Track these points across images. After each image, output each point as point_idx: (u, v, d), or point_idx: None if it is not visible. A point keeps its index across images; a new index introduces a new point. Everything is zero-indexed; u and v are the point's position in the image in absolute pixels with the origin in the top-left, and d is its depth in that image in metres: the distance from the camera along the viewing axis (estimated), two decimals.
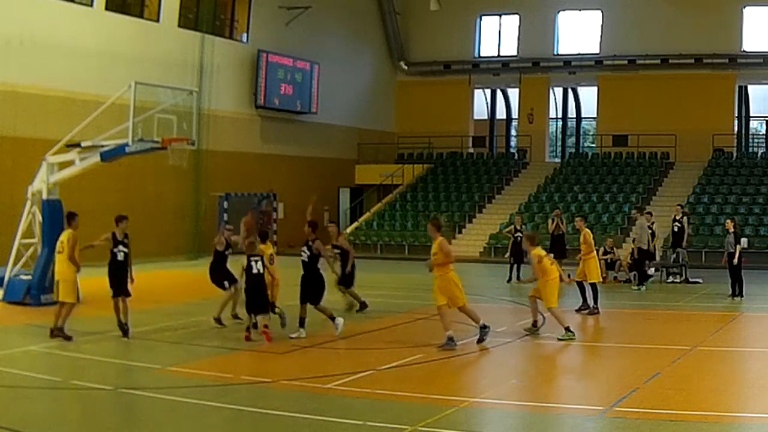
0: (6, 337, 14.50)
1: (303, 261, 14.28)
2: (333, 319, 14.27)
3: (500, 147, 43.48)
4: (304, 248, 14.31)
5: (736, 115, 37.87)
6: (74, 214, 14.63)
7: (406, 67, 41.78)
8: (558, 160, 40.89)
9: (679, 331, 15.72)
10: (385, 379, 11.36)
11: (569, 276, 22.21)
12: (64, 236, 14.40)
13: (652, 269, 23.66)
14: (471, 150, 41.32)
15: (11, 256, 18.56)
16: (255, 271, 14.00)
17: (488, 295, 21.25)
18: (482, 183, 37.69)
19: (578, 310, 17.33)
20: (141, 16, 29.16)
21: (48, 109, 25.12)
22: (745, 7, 35.97)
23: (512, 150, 42.76)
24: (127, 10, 28.65)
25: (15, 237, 18.70)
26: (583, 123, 43.72)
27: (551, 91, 41.34)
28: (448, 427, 8.95)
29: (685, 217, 24.34)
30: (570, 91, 42.75)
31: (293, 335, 14.06)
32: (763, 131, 40.51)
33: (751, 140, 40.03)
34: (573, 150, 41.90)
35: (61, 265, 14.35)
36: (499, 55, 40.82)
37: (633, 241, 23.92)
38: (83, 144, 18.22)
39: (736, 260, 19.55)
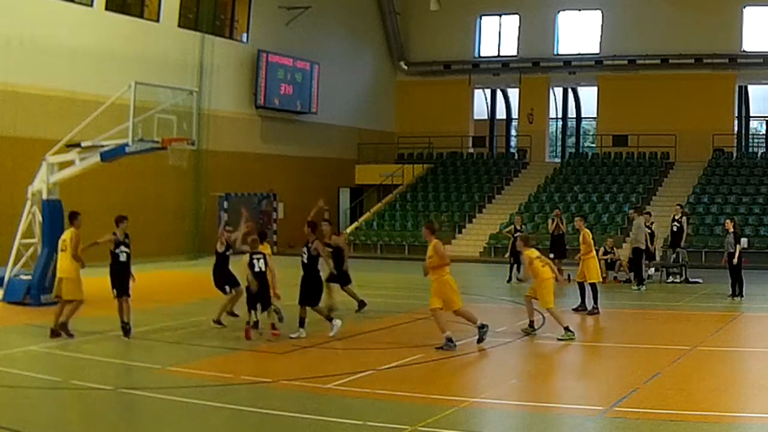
0: (6, 337, 14.50)
1: (302, 262, 14.29)
2: (330, 320, 14.25)
3: (500, 147, 43.48)
4: (304, 249, 14.33)
5: (736, 115, 37.86)
6: (77, 213, 14.74)
7: (406, 67, 41.78)
8: (558, 160, 40.88)
9: (679, 331, 15.72)
10: (385, 379, 11.36)
11: (569, 276, 22.40)
12: (67, 234, 14.48)
13: (652, 269, 23.67)
14: (471, 150, 41.32)
15: (11, 256, 18.57)
16: (257, 269, 14.02)
17: (488, 295, 21.27)
18: (482, 183, 37.69)
19: (575, 310, 17.32)
20: (141, 16, 29.16)
21: (48, 109, 25.12)
22: (745, 7, 35.96)
23: (512, 150, 42.75)
24: (127, 10, 28.65)
25: (15, 237, 18.70)
26: (583, 123, 43.71)
27: (551, 91, 41.33)
28: (448, 427, 8.95)
29: (684, 217, 24.33)
30: (570, 91, 42.74)
31: (293, 335, 14.07)
32: (763, 131, 40.51)
33: (751, 140, 40.02)
34: (573, 150, 41.89)
35: (63, 263, 14.41)
36: (499, 55, 40.82)
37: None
38: (83, 144, 18.23)
39: (735, 260, 19.55)
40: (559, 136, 43.57)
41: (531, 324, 14.74)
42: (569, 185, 35.96)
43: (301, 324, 14.16)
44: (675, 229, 23.91)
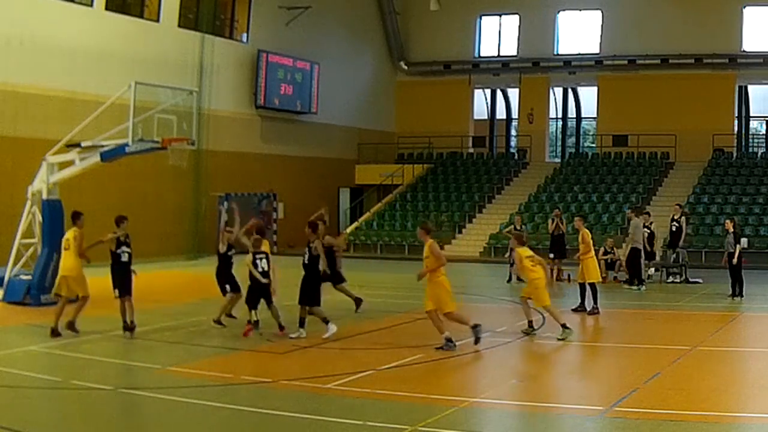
0: (6, 337, 14.50)
1: (303, 263, 14.30)
2: (327, 322, 14.20)
3: (500, 147, 43.49)
4: (306, 249, 14.35)
5: (736, 115, 37.87)
6: (79, 213, 14.83)
7: (406, 67, 41.79)
8: (558, 160, 40.89)
9: (679, 331, 15.72)
10: (385, 379, 11.36)
11: (569, 276, 22.39)
12: (70, 234, 14.54)
13: (652, 269, 23.66)
14: (471, 150, 41.32)
15: (11, 256, 18.57)
16: (260, 269, 14.03)
17: (488, 295, 21.28)
18: (482, 183, 37.69)
19: (575, 310, 17.32)
20: (141, 16, 29.17)
21: (48, 109, 25.12)
22: (745, 7, 35.98)
23: (512, 150, 42.77)
24: (127, 10, 28.66)
25: (15, 237, 18.70)
26: (583, 123, 43.72)
27: (551, 91, 41.34)
28: (448, 427, 8.94)
29: (683, 217, 24.32)
30: (570, 91, 42.75)
31: (293, 335, 14.07)
32: (763, 131, 40.52)
33: (751, 140, 40.03)
34: (573, 150, 41.89)
35: (67, 261, 14.46)
36: (499, 55, 40.83)
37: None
38: (83, 144, 18.22)
39: (735, 260, 19.55)
40: (559, 136, 43.58)
41: (530, 324, 14.73)
42: (569, 185, 35.96)
43: (301, 324, 14.16)
44: (674, 229, 23.90)
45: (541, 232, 30.30)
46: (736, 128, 37.96)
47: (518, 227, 24.77)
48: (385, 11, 40.51)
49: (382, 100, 41.52)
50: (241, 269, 15.07)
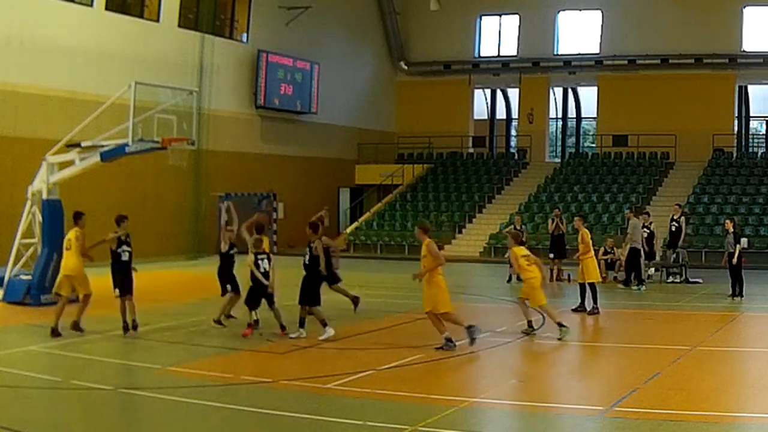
0: (6, 337, 14.50)
1: (304, 263, 14.30)
2: (325, 325, 14.14)
3: (500, 147, 43.50)
4: (306, 250, 14.36)
5: (736, 115, 37.88)
6: (81, 213, 14.89)
7: (406, 67, 41.80)
8: (558, 160, 40.89)
9: (679, 331, 15.72)
10: (385, 379, 11.35)
11: (569, 277, 22.39)
12: (72, 234, 14.57)
13: (652, 269, 23.66)
14: (471, 150, 41.33)
15: (11, 256, 18.57)
16: (262, 270, 14.03)
17: (488, 295, 21.27)
18: (482, 183, 37.70)
19: (575, 310, 17.32)
20: (141, 16, 29.18)
21: (48, 109, 25.13)
22: (745, 7, 35.98)
23: (512, 150, 42.78)
24: (127, 10, 28.67)
25: (15, 237, 18.70)
26: (583, 123, 43.73)
27: (551, 91, 41.35)
28: (448, 427, 8.94)
29: (683, 217, 24.32)
30: (570, 91, 42.76)
31: (293, 335, 14.07)
32: (763, 131, 40.52)
33: (751, 140, 40.04)
34: (573, 150, 41.91)
35: (69, 261, 14.49)
36: (499, 55, 40.84)
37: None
38: (83, 144, 18.22)
39: (735, 260, 19.55)
40: (559, 136, 43.58)
41: (530, 324, 14.72)
42: (569, 185, 35.97)
43: (301, 324, 14.16)
44: (674, 228, 23.90)
45: (541, 232, 30.30)
46: (736, 128, 37.97)
47: (518, 227, 24.77)
48: (385, 11, 40.52)
49: (382, 100, 41.53)
50: (242, 270, 15.07)
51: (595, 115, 40.66)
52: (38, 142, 21.87)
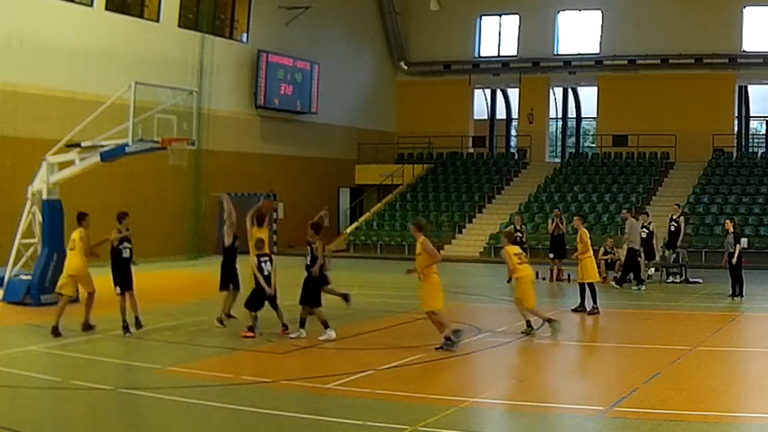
0: (6, 337, 14.50)
1: (306, 264, 14.30)
2: (326, 327, 14.11)
3: (500, 147, 43.50)
4: (308, 250, 14.36)
5: (736, 115, 37.88)
6: (85, 213, 14.93)
7: (406, 67, 41.79)
8: (558, 160, 40.89)
9: (679, 331, 15.72)
10: (385, 379, 11.36)
11: (569, 276, 22.38)
12: (76, 234, 14.62)
13: (652, 269, 23.66)
14: (471, 150, 41.32)
15: (11, 256, 18.57)
16: (266, 272, 14.03)
17: (488, 295, 21.27)
18: (482, 183, 37.70)
19: (575, 310, 17.32)
20: (141, 16, 29.16)
21: (48, 109, 25.12)
22: (745, 7, 35.98)
23: (512, 150, 42.78)
24: (127, 10, 28.65)
25: (15, 237, 18.70)
26: (583, 123, 43.73)
27: (551, 91, 41.35)
28: (448, 427, 8.94)
29: (682, 217, 24.32)
30: (570, 91, 42.76)
31: (293, 335, 14.08)
32: (763, 131, 40.53)
33: (751, 140, 40.04)
34: (573, 150, 41.91)
35: (72, 261, 14.55)
36: (499, 55, 40.83)
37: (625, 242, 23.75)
38: (83, 144, 18.22)
39: (735, 260, 19.55)
40: (559, 136, 43.58)
41: (528, 324, 14.72)
42: (569, 185, 35.97)
43: (302, 324, 14.16)
44: (673, 228, 23.90)
45: (541, 232, 30.30)
46: (736, 128, 37.96)
47: (518, 227, 24.79)
48: (385, 11, 40.51)
49: (382, 100, 41.53)
50: (244, 269, 15.06)
51: (595, 115, 40.65)
52: (38, 142, 21.87)
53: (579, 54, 39.00)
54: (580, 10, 39.19)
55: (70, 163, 18.22)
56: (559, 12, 39.43)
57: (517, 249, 14.86)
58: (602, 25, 38.41)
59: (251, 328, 14.24)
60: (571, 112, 43.38)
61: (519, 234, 24.38)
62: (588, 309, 17.17)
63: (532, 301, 14.52)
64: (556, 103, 42.46)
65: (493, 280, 24.71)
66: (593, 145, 41.41)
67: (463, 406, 9.89)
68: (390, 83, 41.94)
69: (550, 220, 24.96)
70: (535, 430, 9.33)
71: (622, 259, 23.70)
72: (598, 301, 17.23)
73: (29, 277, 17.97)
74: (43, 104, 25.14)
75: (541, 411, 9.82)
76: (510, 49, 40.38)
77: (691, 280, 23.11)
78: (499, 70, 40.73)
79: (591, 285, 17.18)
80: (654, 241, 23.25)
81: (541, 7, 39.21)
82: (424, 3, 39.03)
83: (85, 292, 14.73)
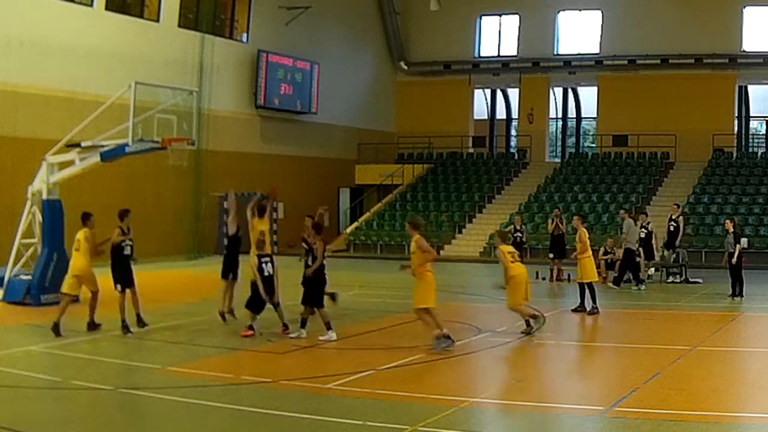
0: (6, 337, 14.51)
1: (307, 264, 14.30)
2: (328, 328, 14.07)
3: (500, 147, 43.49)
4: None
5: (736, 115, 37.88)
6: (89, 214, 14.95)
7: (406, 67, 41.79)
8: (558, 160, 40.89)
9: (679, 331, 15.72)
10: (385, 379, 11.36)
11: (569, 276, 22.37)
12: (81, 234, 14.64)
13: (652, 269, 23.66)
14: (471, 150, 41.31)
15: (11, 256, 18.57)
16: (266, 273, 14.02)
17: (488, 295, 21.25)
18: (482, 183, 37.69)
19: (575, 310, 17.32)
20: (141, 16, 29.15)
21: (48, 109, 25.11)
22: (745, 7, 35.98)
23: (512, 150, 42.77)
24: (127, 10, 28.64)
25: (15, 237, 18.70)
26: (583, 123, 43.73)
27: (551, 91, 41.34)
28: (448, 427, 8.94)
29: (681, 217, 24.31)
30: (570, 91, 42.76)
31: (293, 334, 14.08)
32: (763, 131, 40.53)
33: (751, 140, 40.03)
34: (573, 150, 41.90)
35: (77, 262, 14.56)
36: (499, 55, 40.83)
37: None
38: (83, 144, 18.22)
39: (735, 260, 19.55)
40: (559, 136, 43.58)
41: (528, 324, 14.72)
42: (569, 185, 35.96)
43: (303, 324, 14.16)
44: (672, 228, 23.90)
45: (541, 232, 30.30)
46: (736, 128, 37.96)
47: (518, 227, 24.80)
48: (385, 11, 40.50)
49: (382, 100, 41.52)
50: (244, 270, 15.07)
51: (595, 115, 40.65)
52: (38, 142, 21.87)
53: (579, 54, 39.00)
54: (580, 10, 39.19)
55: (70, 163, 18.22)
56: (559, 12, 39.43)
57: (510, 248, 14.88)
58: (602, 25, 38.41)
59: (251, 327, 14.26)
60: (571, 112, 43.38)
61: (519, 234, 24.42)
62: (588, 309, 17.17)
63: (519, 300, 14.50)
64: (556, 103, 42.46)
65: (493, 280, 24.64)
66: (593, 145, 41.41)
67: (463, 406, 9.89)
68: (390, 83, 41.94)
69: (550, 220, 24.96)
70: (535, 430, 9.33)
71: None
72: (597, 301, 17.23)
73: (29, 277, 17.97)
74: (43, 104, 25.13)
75: (541, 411, 9.82)
76: (510, 49, 40.38)
77: (691, 280, 23.11)
78: (499, 70, 40.72)
79: (590, 285, 17.18)
80: (653, 241, 23.24)
81: (541, 7, 39.21)
82: (424, 3, 39.02)
83: (88, 292, 14.73)
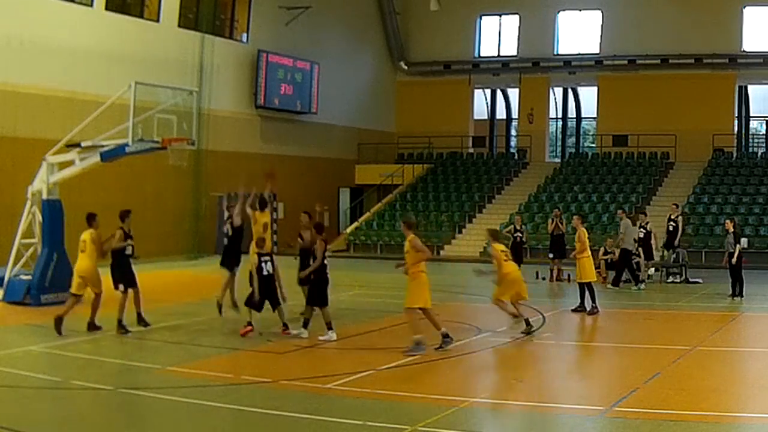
0: (6, 337, 14.51)
1: (306, 264, 14.30)
2: (329, 328, 14.05)
3: (500, 147, 43.49)
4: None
5: (736, 115, 37.87)
6: (94, 214, 14.96)
7: (406, 67, 41.77)
8: (558, 160, 40.88)
9: (679, 331, 15.72)
10: (385, 379, 11.36)
11: (569, 276, 22.37)
12: (87, 236, 14.66)
13: (652, 269, 23.66)
14: (471, 150, 41.31)
15: (11, 256, 18.57)
16: (265, 272, 14.02)
17: (488, 295, 21.22)
18: (482, 183, 37.69)
19: (574, 310, 17.32)
20: (141, 16, 29.14)
21: (48, 109, 25.10)
22: (745, 7, 35.97)
23: (512, 150, 42.76)
24: (127, 10, 28.63)
25: (15, 237, 18.70)
26: (583, 123, 43.72)
27: (551, 91, 41.33)
28: (448, 427, 8.95)
29: (680, 217, 24.31)
30: (570, 91, 42.75)
31: (294, 331, 14.09)
32: (763, 131, 40.52)
33: (751, 140, 40.03)
34: (573, 150, 41.89)
35: (83, 263, 14.60)
36: (499, 55, 40.82)
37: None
38: (83, 144, 18.22)
39: (735, 260, 19.54)
40: (559, 136, 43.57)
41: (527, 322, 14.72)
42: (569, 185, 35.96)
43: (305, 324, 14.15)
44: (671, 228, 23.91)
45: (541, 232, 30.30)
46: (736, 128, 37.96)
47: (518, 227, 24.79)
48: (385, 11, 40.49)
49: (382, 100, 41.51)
50: (245, 269, 15.08)
51: (595, 115, 40.64)
52: (38, 142, 21.86)
53: (579, 54, 38.99)
54: (580, 10, 39.18)
55: (70, 163, 18.22)
56: (559, 12, 39.42)
57: (503, 246, 14.94)
58: (602, 25, 38.40)
59: (250, 323, 14.26)
60: (571, 112, 43.37)
61: (519, 234, 24.40)
62: (588, 309, 17.16)
63: (506, 297, 14.54)
64: (556, 103, 42.46)
65: (493, 281, 24.66)
66: (593, 145, 41.40)
67: (463, 406, 9.89)
68: (390, 83, 41.93)
69: (549, 220, 24.96)
70: (535, 430, 9.33)
71: None
72: (597, 301, 17.23)
73: (29, 277, 17.97)
74: (43, 104, 25.12)
75: (540, 411, 9.82)
76: (510, 49, 40.37)
77: (691, 280, 23.11)
78: (499, 70, 40.72)
79: (589, 285, 17.17)
80: (652, 241, 23.23)
81: (541, 7, 39.20)
82: (424, 3, 39.02)
83: (91, 293, 14.72)
